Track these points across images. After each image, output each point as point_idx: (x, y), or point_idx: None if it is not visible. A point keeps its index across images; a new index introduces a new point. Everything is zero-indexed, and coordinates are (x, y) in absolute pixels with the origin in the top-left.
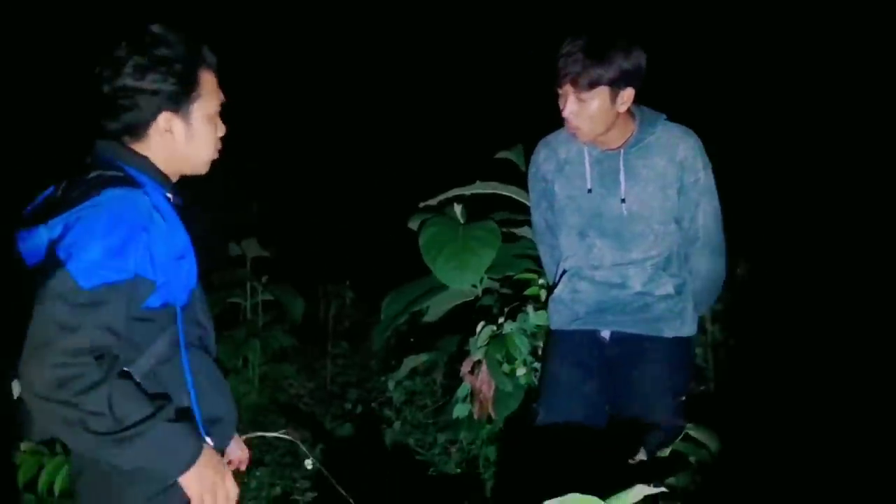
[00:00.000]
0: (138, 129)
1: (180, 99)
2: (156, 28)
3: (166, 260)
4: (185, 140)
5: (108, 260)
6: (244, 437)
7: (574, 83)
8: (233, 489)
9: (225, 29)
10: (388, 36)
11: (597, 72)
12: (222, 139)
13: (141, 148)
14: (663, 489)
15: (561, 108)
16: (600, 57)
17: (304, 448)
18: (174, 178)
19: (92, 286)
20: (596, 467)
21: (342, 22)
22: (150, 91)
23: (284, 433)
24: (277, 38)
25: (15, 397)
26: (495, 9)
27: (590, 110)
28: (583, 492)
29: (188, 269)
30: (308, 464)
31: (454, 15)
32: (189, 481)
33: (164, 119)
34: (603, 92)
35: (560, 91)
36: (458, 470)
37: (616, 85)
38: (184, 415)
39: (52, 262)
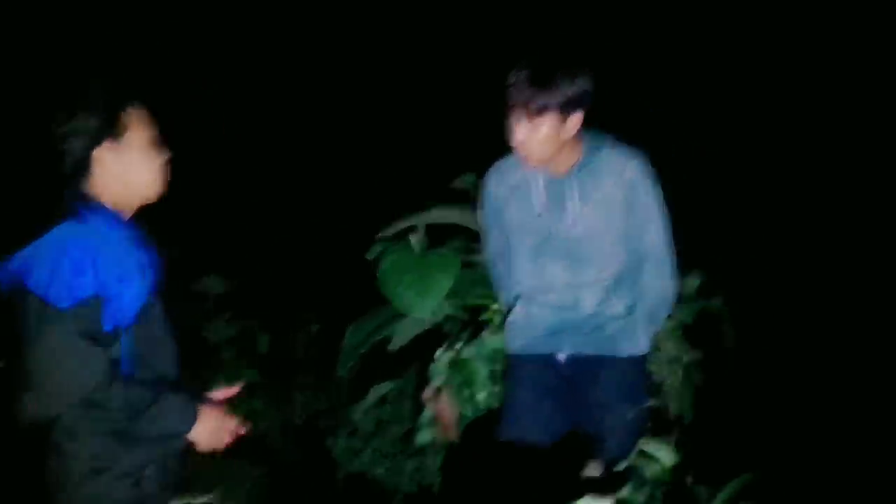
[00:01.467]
0: (83, 168)
1: (109, 132)
2: (80, 78)
3: (110, 279)
4: (122, 170)
5: (71, 278)
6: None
7: (522, 110)
8: (229, 421)
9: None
10: (340, 62)
11: (543, 99)
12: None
13: (93, 185)
14: (611, 502)
15: (511, 134)
16: (546, 84)
17: None
18: (128, 209)
19: (69, 305)
20: (550, 483)
21: (291, 48)
22: (79, 130)
23: (209, 499)
24: (231, 65)
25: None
26: (452, 35)
27: (539, 136)
28: None
29: (133, 289)
30: None
31: (407, 42)
32: (198, 432)
33: (100, 154)
34: (552, 118)
35: (511, 119)
36: (425, 496)
37: (564, 110)
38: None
39: (24, 293)
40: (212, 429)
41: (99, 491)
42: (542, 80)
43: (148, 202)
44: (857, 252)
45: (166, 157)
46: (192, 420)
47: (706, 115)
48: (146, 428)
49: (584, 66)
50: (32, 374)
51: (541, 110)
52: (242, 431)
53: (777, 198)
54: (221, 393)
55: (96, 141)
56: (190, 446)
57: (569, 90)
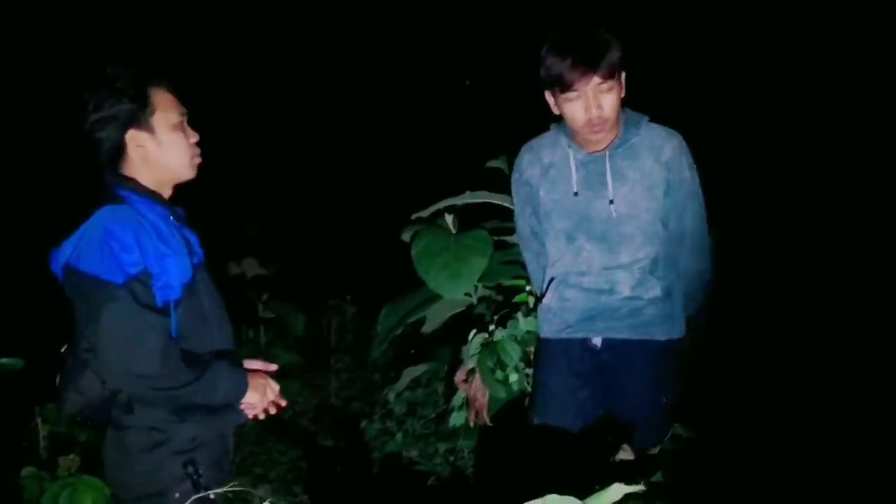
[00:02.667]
0: (118, 153)
1: (138, 115)
2: (107, 68)
3: (154, 258)
4: (156, 150)
5: (121, 256)
6: (195, 496)
7: (598, 73)
8: (274, 385)
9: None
10: (375, 51)
11: (611, 55)
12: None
13: (128, 170)
14: (642, 487)
15: (582, 109)
16: (606, 42)
17: (257, 494)
18: (165, 190)
19: (124, 280)
20: (581, 468)
21: (330, 38)
22: (110, 117)
23: (236, 485)
24: (269, 56)
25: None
26: (481, 19)
27: (613, 99)
28: (565, 492)
29: (176, 266)
30: None
31: (438, 27)
32: (247, 399)
33: (132, 137)
34: (617, 77)
35: (574, 93)
36: (457, 478)
37: (622, 68)
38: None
39: (80, 276)
40: (260, 396)
41: (154, 467)
42: (601, 41)
43: (183, 182)
44: (856, 252)
45: (196, 139)
46: (243, 388)
47: (706, 115)
48: (202, 397)
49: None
50: (97, 351)
51: (611, 69)
52: (284, 403)
53: (777, 197)
54: (260, 365)
55: (128, 125)
56: (239, 427)
57: (617, 50)
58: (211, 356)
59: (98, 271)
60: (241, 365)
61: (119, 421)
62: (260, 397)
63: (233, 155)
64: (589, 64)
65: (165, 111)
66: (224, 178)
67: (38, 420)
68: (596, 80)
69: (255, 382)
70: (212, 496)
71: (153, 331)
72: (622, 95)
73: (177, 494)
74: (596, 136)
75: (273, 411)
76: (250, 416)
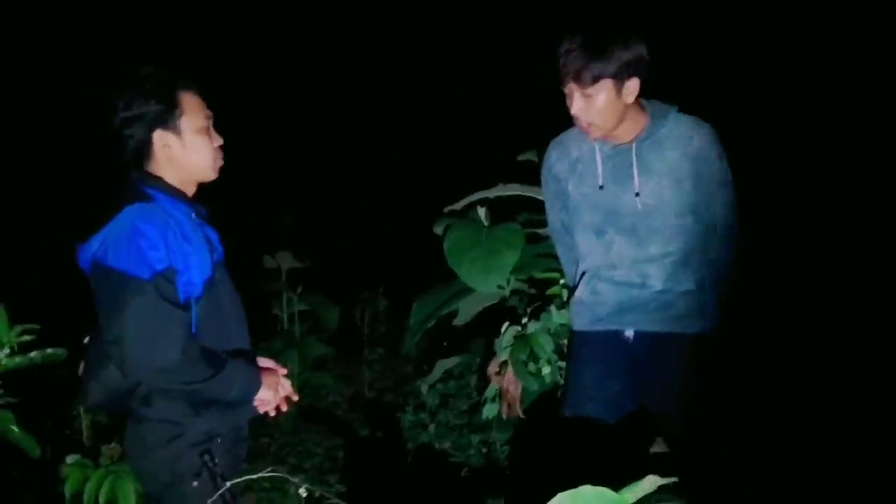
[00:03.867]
0: (144, 152)
1: (166, 117)
2: (138, 69)
3: (178, 254)
4: (181, 151)
5: (148, 253)
6: (230, 482)
7: (577, 80)
8: (286, 382)
9: (250, 45)
10: (405, 42)
11: (598, 66)
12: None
13: (154, 169)
14: (676, 480)
15: (569, 106)
16: (599, 51)
17: (294, 481)
18: (190, 189)
19: (150, 276)
20: (615, 460)
21: (360, 32)
22: (138, 116)
23: (271, 471)
24: (298, 52)
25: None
26: (512, 11)
27: (597, 105)
28: (598, 483)
29: (198, 263)
30: (302, 492)
31: (469, 20)
32: (262, 392)
33: (159, 137)
34: (607, 85)
35: (566, 90)
36: (491, 469)
37: (619, 77)
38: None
39: (107, 271)
40: (273, 393)
41: (172, 457)
42: (596, 47)
43: (207, 181)
44: (856, 252)
45: (220, 142)
46: (257, 384)
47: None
48: (218, 393)
49: (637, 32)
50: (121, 343)
51: (596, 78)
52: (296, 399)
53: (777, 198)
54: (270, 363)
55: (155, 125)
56: (258, 420)
57: (623, 56)
58: (228, 353)
59: (126, 266)
60: (256, 363)
61: (138, 413)
62: (273, 394)
63: (268, 150)
64: (571, 66)
65: (192, 114)
66: (259, 173)
67: (81, 409)
68: (575, 86)
69: (268, 380)
70: (227, 485)
71: (176, 326)
72: (626, 100)
73: (195, 483)
74: (590, 135)
75: (284, 408)
76: (262, 412)
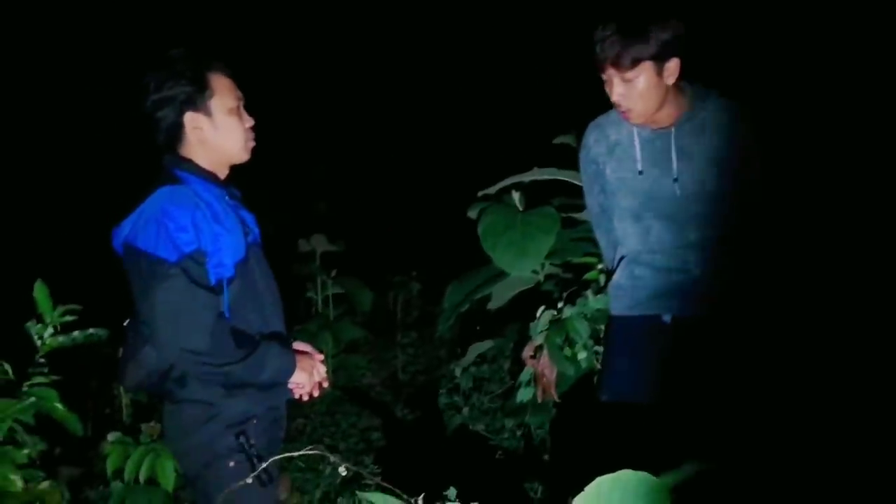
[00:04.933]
0: (176, 134)
1: (196, 98)
2: (168, 52)
3: (208, 236)
4: (213, 132)
5: (176, 235)
6: (265, 462)
7: (616, 65)
8: (321, 367)
9: (284, 36)
10: (447, 25)
11: (637, 48)
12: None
13: (185, 151)
14: (715, 465)
15: (608, 92)
16: (637, 33)
17: (333, 458)
18: (222, 171)
19: (178, 258)
20: (652, 445)
21: (395, 16)
22: (169, 98)
23: (311, 448)
24: (331, 39)
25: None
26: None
27: (638, 89)
28: (637, 468)
29: (230, 245)
30: (342, 471)
31: (506, 3)
32: (297, 375)
33: (190, 118)
34: (647, 68)
35: (604, 76)
36: (527, 453)
37: (659, 58)
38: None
39: (136, 253)
40: (307, 377)
41: (208, 439)
42: (633, 30)
43: (239, 163)
44: (856, 252)
45: (251, 123)
46: (291, 367)
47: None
48: (250, 375)
49: (672, 12)
50: (151, 325)
51: (635, 62)
52: (326, 385)
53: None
54: (308, 348)
55: (186, 106)
56: (293, 401)
57: (661, 35)
58: (261, 335)
59: (153, 248)
60: (291, 346)
61: (173, 395)
62: (308, 378)
63: (303, 133)
64: (609, 51)
65: (223, 95)
66: (294, 156)
67: (121, 388)
68: (614, 71)
69: (303, 363)
70: (264, 465)
71: (204, 308)
72: (667, 82)
73: (231, 464)
74: (631, 120)
75: (317, 394)
76: (296, 396)
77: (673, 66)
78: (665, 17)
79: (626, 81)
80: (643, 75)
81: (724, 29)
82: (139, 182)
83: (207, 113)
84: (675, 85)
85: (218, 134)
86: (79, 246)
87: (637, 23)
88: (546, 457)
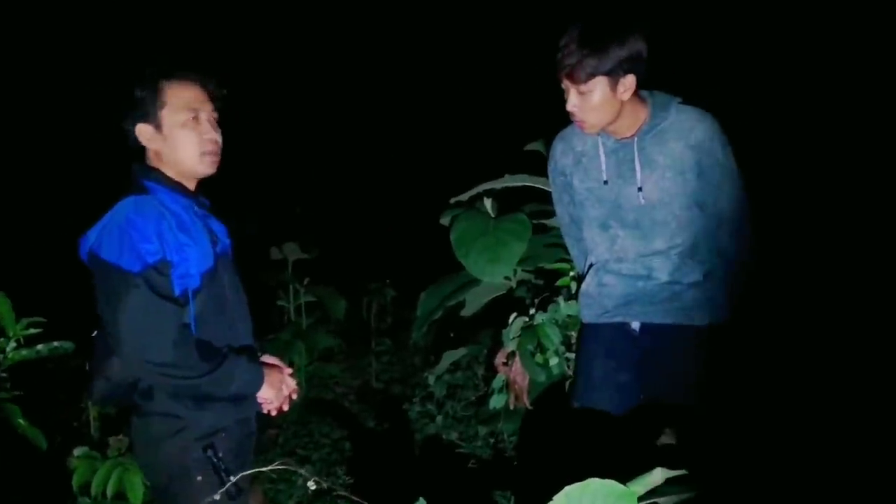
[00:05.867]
0: (138, 144)
1: (147, 109)
2: (132, 62)
3: (173, 247)
4: (163, 144)
5: (140, 245)
6: (235, 477)
7: (571, 77)
8: (290, 380)
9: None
10: (413, 33)
11: (592, 63)
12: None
13: (151, 161)
14: (684, 472)
15: (566, 102)
16: (594, 47)
17: (303, 472)
18: (188, 182)
19: (141, 269)
20: (623, 452)
21: (365, 23)
22: (126, 109)
23: (282, 462)
24: (304, 47)
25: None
26: (519, 2)
27: (591, 102)
28: (606, 476)
29: (197, 255)
30: (311, 485)
31: (481, 8)
32: (264, 390)
33: (141, 130)
34: (602, 82)
35: (563, 86)
36: (498, 460)
37: (614, 74)
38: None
39: (100, 263)
40: (276, 392)
41: (176, 452)
42: (591, 43)
43: (205, 175)
44: (855, 253)
45: (213, 135)
46: (259, 382)
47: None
48: (216, 388)
49: (637, 28)
50: (115, 337)
51: (590, 75)
52: (295, 397)
53: (774, 198)
54: (275, 360)
55: (137, 118)
56: (261, 414)
57: (619, 53)
58: (229, 347)
59: (117, 259)
60: (259, 359)
61: (141, 407)
62: (276, 393)
63: (275, 142)
64: (566, 62)
65: (175, 107)
66: (266, 165)
67: (89, 402)
68: (570, 83)
69: (271, 378)
70: (233, 479)
71: (168, 320)
72: (622, 97)
73: (200, 477)
74: (585, 131)
75: (286, 408)
76: (265, 411)
77: (628, 82)
78: (625, 35)
79: (581, 94)
80: (597, 89)
81: (697, 36)
82: (108, 190)
83: (157, 125)
84: (636, 96)
85: (168, 146)
86: (46, 256)
87: (596, 38)
88: (518, 464)
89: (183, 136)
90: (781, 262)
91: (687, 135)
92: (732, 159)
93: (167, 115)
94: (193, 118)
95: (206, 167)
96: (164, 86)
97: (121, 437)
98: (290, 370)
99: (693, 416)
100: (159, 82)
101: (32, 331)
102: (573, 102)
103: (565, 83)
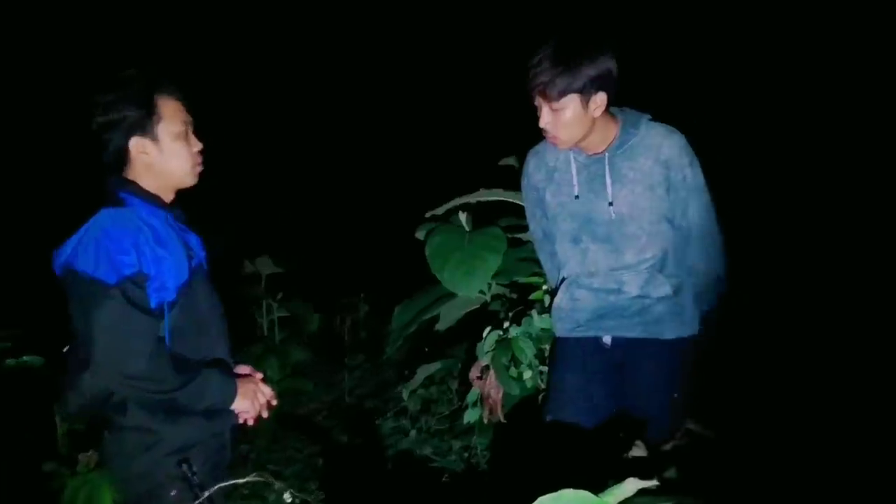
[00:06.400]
0: (122, 157)
1: (144, 123)
2: (117, 73)
3: (150, 259)
4: (159, 157)
5: (116, 257)
6: (208, 491)
7: (544, 94)
8: (264, 387)
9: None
10: (388, 48)
11: (564, 81)
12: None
13: (131, 174)
14: (656, 483)
15: (538, 119)
16: (566, 66)
17: (277, 485)
18: (167, 195)
19: (117, 281)
20: (595, 464)
21: (342, 36)
22: (116, 121)
23: (256, 476)
24: (279, 58)
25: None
26: (494, 16)
27: (563, 119)
28: (579, 487)
29: (173, 268)
30: (287, 497)
31: (452, 23)
32: (238, 405)
33: (136, 143)
34: (574, 100)
35: (535, 103)
36: (471, 474)
37: (586, 91)
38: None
39: (76, 275)
40: (250, 402)
41: (149, 467)
42: (563, 61)
43: (185, 188)
44: (854, 254)
45: (199, 147)
46: (232, 394)
47: (702, 116)
48: (190, 402)
49: (607, 46)
50: (90, 350)
51: (562, 93)
52: (275, 403)
53: (772, 198)
54: (247, 369)
55: (132, 131)
56: (236, 427)
57: (589, 71)
58: (204, 360)
59: (93, 270)
60: (232, 371)
61: (114, 421)
62: (250, 403)
63: (248, 155)
64: (538, 80)
65: (170, 120)
66: (241, 178)
67: (58, 417)
68: (542, 100)
69: (244, 389)
70: (206, 494)
71: (143, 332)
72: (594, 114)
73: (173, 492)
74: (558, 147)
75: (265, 415)
76: (241, 422)
77: (599, 99)
78: (595, 53)
79: (553, 111)
80: (570, 106)
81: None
82: (82, 203)
83: (154, 138)
84: (607, 112)
85: (164, 159)
86: (17, 270)
87: (567, 56)
88: (491, 478)
89: (178, 149)
90: (766, 268)
91: (656, 151)
92: (700, 174)
93: (164, 128)
94: (186, 131)
95: (194, 178)
96: (159, 99)
97: (90, 452)
98: (260, 375)
99: (665, 427)
100: (155, 96)
101: (1, 345)
102: (546, 119)
103: (538, 101)
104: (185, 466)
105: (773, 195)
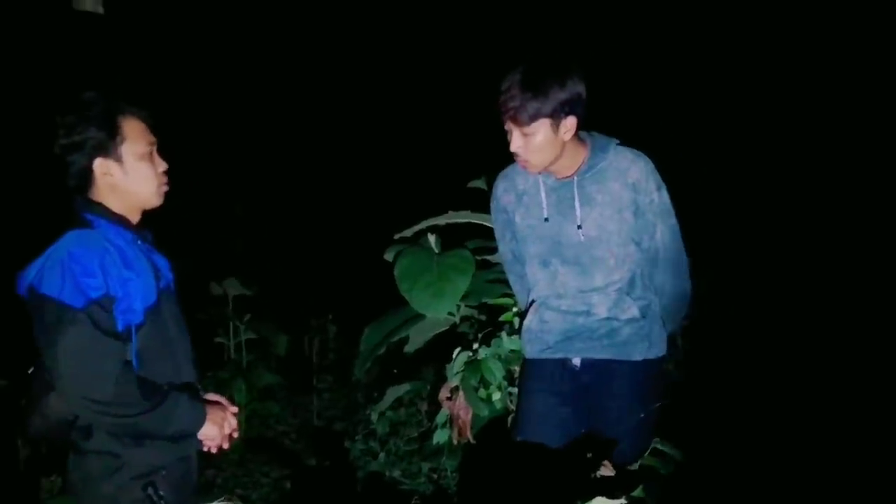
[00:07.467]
0: (86, 178)
1: (107, 144)
2: (80, 94)
3: (117, 282)
4: (123, 178)
5: (83, 280)
6: None
7: (514, 119)
8: (232, 419)
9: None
10: (355, 73)
11: (534, 106)
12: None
13: (96, 195)
14: (624, 502)
15: (509, 143)
16: (536, 90)
17: None
18: (134, 215)
19: (83, 304)
20: (563, 484)
21: (311, 56)
22: (79, 143)
23: (223, 500)
24: (250, 79)
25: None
26: (464, 39)
27: (534, 143)
28: None
29: (140, 290)
30: None
31: (422, 47)
32: (205, 431)
33: (100, 164)
34: (544, 124)
35: (506, 127)
36: (440, 497)
37: (556, 116)
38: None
39: (41, 299)
40: (218, 430)
41: (114, 491)
42: (532, 87)
43: (151, 208)
44: (853, 254)
45: (164, 168)
46: (200, 420)
47: (700, 117)
48: (156, 427)
49: (576, 70)
50: (55, 374)
51: (532, 117)
52: (235, 435)
53: (771, 198)
54: (219, 397)
55: (96, 153)
56: (202, 451)
57: (560, 95)
58: (171, 384)
59: (59, 294)
60: (201, 397)
61: (79, 445)
62: (218, 431)
63: (215, 175)
64: (509, 104)
65: (134, 140)
66: (210, 197)
67: (19, 441)
68: (513, 125)
69: (213, 415)
70: None
71: (110, 356)
72: (564, 138)
73: None
74: (529, 171)
75: (226, 446)
76: (206, 449)
77: (570, 123)
78: (565, 78)
79: (524, 135)
80: (540, 131)
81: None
82: (48, 224)
83: (118, 159)
84: (576, 136)
85: (129, 179)
86: None
87: (537, 81)
88: (460, 499)
89: (143, 169)
90: (750, 279)
91: (624, 174)
92: (667, 198)
93: (128, 149)
94: (150, 151)
95: (160, 198)
96: (123, 120)
97: (53, 477)
98: (234, 408)
99: (632, 448)
100: (119, 117)
101: None
102: (517, 144)
103: (509, 125)
104: (150, 490)
105: (759, 206)
